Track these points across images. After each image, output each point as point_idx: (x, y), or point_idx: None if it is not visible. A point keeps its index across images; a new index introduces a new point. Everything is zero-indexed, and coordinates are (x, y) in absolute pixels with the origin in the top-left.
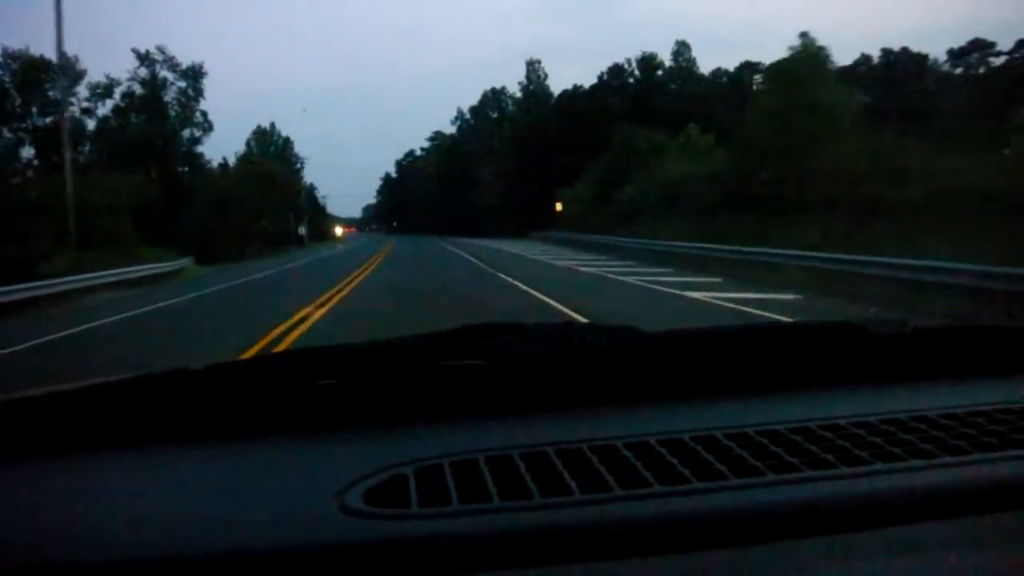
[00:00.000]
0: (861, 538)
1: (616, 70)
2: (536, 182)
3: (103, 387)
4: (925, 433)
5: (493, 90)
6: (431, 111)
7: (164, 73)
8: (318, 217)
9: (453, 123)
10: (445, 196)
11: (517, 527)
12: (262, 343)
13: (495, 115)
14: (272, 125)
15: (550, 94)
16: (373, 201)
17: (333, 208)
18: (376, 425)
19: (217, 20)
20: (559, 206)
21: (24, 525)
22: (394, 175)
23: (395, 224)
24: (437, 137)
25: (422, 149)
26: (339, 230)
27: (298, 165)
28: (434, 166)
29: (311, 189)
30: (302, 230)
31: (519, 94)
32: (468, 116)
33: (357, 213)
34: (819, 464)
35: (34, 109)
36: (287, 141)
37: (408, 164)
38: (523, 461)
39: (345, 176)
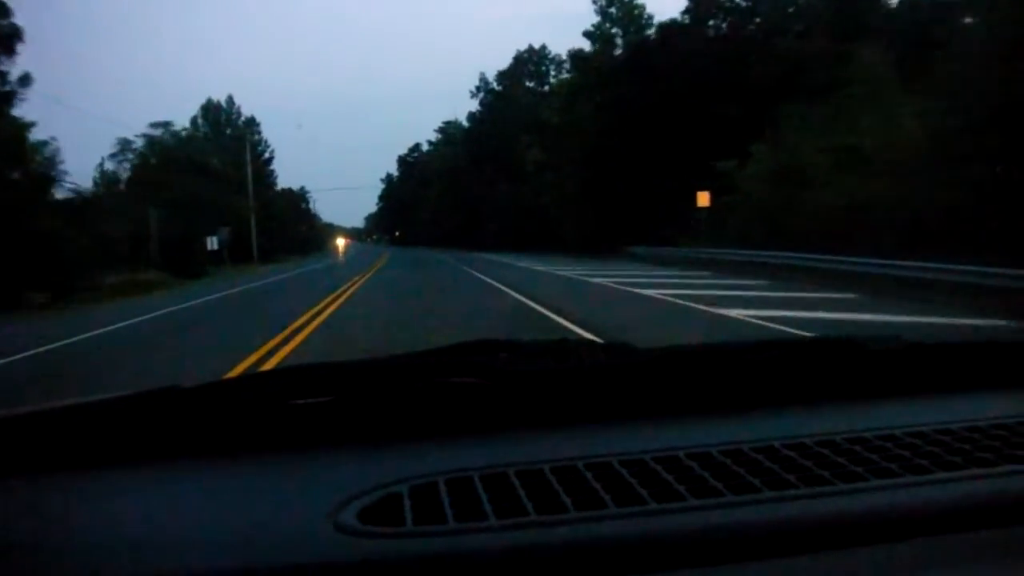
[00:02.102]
0: (857, 555)
1: None
2: (630, 160)
3: (93, 405)
4: (919, 448)
5: (530, 50)
6: (442, 115)
7: None
8: (302, 225)
9: (474, 95)
10: (463, 196)
11: (513, 545)
12: None
13: (531, 84)
14: (230, 99)
15: (645, 18)
16: (375, 209)
17: (334, 217)
18: (371, 443)
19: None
20: (703, 198)
21: (14, 544)
22: (396, 175)
23: (397, 234)
24: (449, 127)
25: (430, 143)
26: (340, 241)
27: (266, 155)
28: (447, 158)
29: (301, 193)
30: (214, 243)
31: (564, 55)
32: (495, 85)
33: (360, 223)
34: (815, 481)
35: None
36: (251, 122)
37: (413, 161)
38: (519, 479)
39: (347, 184)
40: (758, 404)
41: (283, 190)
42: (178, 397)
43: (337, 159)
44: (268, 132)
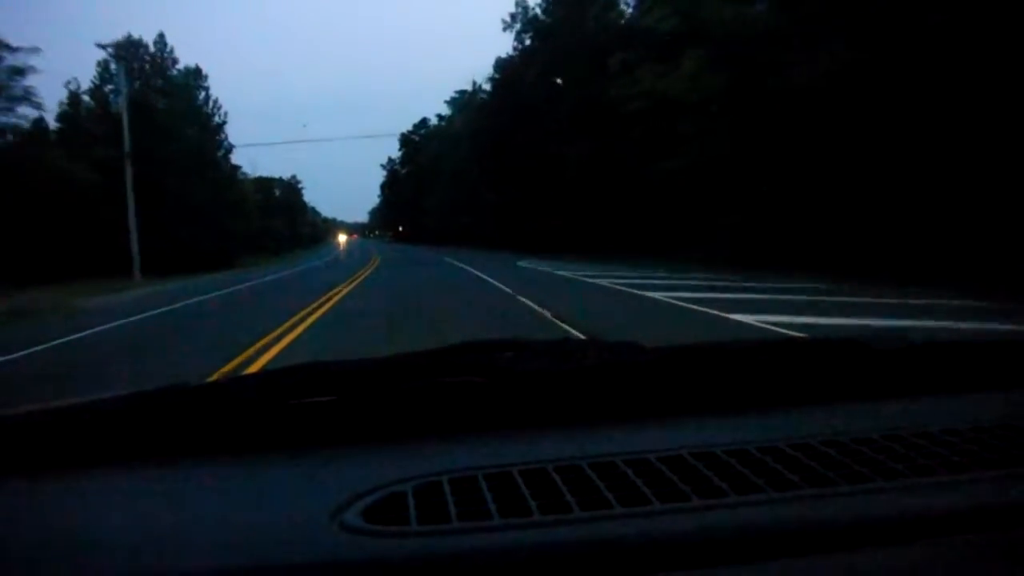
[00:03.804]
0: (863, 556)
1: None
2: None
3: (99, 403)
4: (926, 449)
5: None
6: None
7: None
8: (277, 220)
9: (508, 27)
10: (496, 171)
11: (517, 545)
12: None
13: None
14: (160, 38)
15: None
16: (379, 202)
17: (336, 212)
18: (375, 442)
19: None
20: None
21: (23, 541)
22: (398, 158)
23: (400, 229)
24: (463, 97)
25: (440, 117)
26: (342, 238)
27: (216, 118)
28: (471, 123)
29: (293, 182)
30: None
31: None
32: (540, 12)
33: (365, 217)
34: (820, 481)
35: None
36: (195, 74)
37: (420, 139)
38: (523, 478)
39: (350, 179)
40: (763, 404)
41: (262, 178)
42: (181, 396)
43: (339, 150)
44: (269, 125)
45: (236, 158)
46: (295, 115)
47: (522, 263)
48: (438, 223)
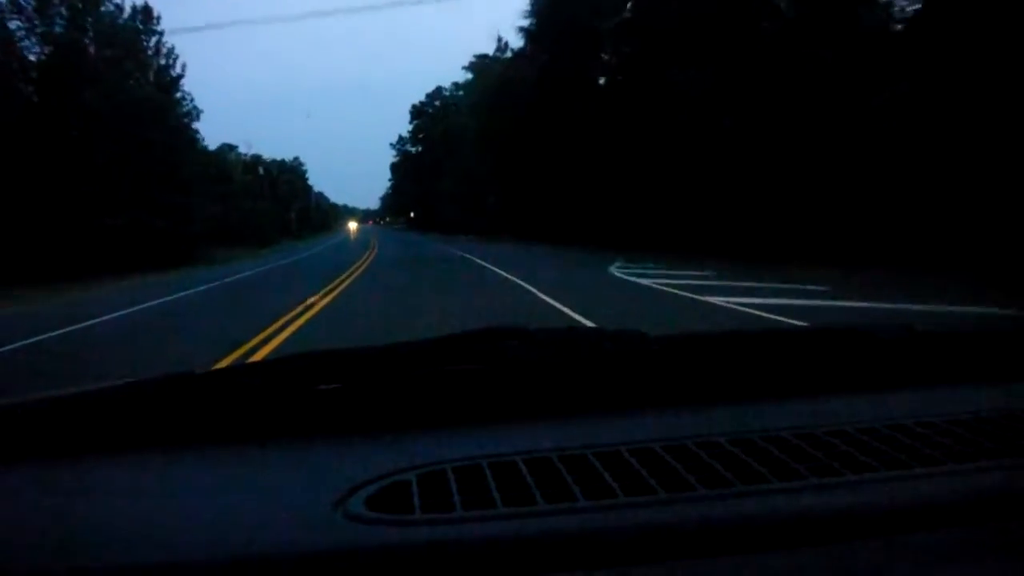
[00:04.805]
0: (868, 546)
1: None
2: None
3: (105, 391)
4: (930, 439)
5: None
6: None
7: None
8: (262, 202)
9: None
10: (543, 129)
11: (521, 533)
12: None
13: None
14: None
15: None
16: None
17: (348, 199)
18: (379, 430)
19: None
20: None
21: (24, 531)
22: (409, 134)
23: (412, 215)
24: (483, 61)
25: (457, 85)
26: (352, 225)
27: (172, 69)
28: (499, 79)
29: (294, 165)
30: None
31: None
32: None
33: (376, 204)
34: (824, 471)
35: None
36: (144, 15)
37: (433, 111)
38: (527, 467)
39: (360, 166)
40: (768, 394)
41: (241, 155)
42: (186, 384)
43: (354, 135)
44: (272, 108)
45: (229, 137)
46: (301, 98)
47: (630, 275)
48: (454, 209)
